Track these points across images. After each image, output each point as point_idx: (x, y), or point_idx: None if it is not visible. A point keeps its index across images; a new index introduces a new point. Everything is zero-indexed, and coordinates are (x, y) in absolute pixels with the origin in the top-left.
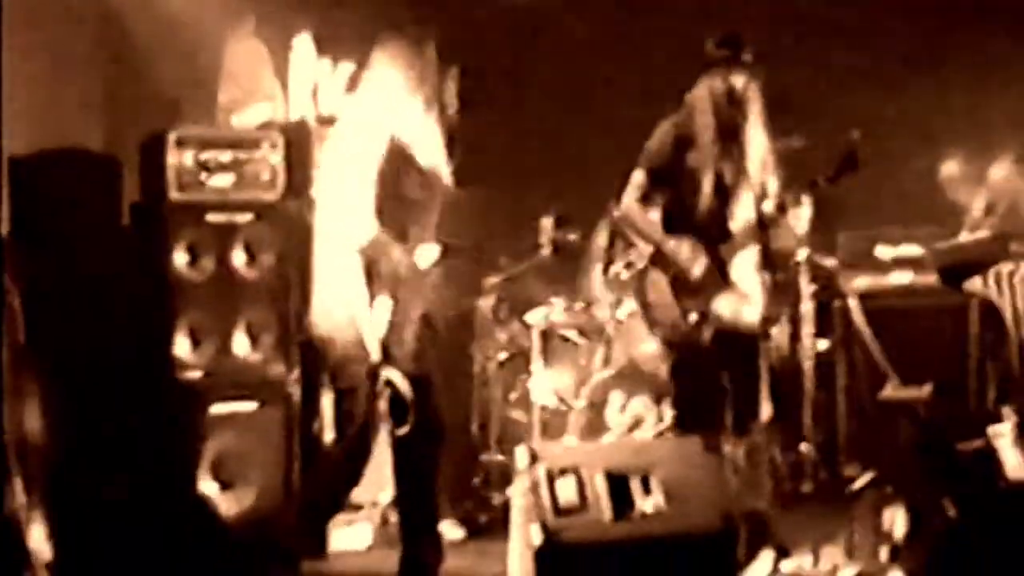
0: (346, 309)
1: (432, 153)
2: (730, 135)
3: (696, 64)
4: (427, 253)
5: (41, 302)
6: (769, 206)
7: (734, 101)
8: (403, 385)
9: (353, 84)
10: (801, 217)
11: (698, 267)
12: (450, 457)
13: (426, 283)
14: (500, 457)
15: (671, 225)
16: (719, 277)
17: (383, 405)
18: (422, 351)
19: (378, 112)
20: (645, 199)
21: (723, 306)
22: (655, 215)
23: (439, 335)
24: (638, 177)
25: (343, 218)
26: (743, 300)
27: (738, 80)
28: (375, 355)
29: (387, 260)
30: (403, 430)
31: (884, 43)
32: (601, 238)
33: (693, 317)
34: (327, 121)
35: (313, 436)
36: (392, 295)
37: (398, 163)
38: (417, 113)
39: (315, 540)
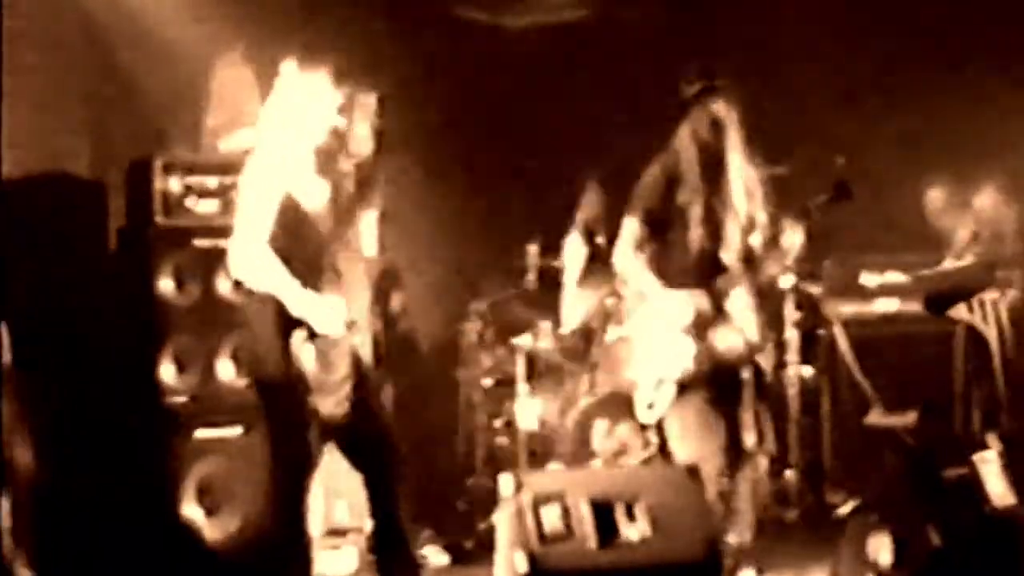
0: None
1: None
2: (715, 167)
3: (675, 93)
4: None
5: (27, 325)
6: (757, 239)
7: (717, 130)
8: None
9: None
10: (793, 244)
11: (687, 317)
12: (435, 483)
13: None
14: (485, 482)
15: (665, 263)
16: (715, 312)
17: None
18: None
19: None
20: (640, 246)
21: (719, 339)
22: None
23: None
24: (632, 225)
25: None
26: (739, 333)
27: (718, 107)
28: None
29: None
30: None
31: (868, 70)
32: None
33: (689, 356)
34: None
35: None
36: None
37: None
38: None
39: (300, 564)
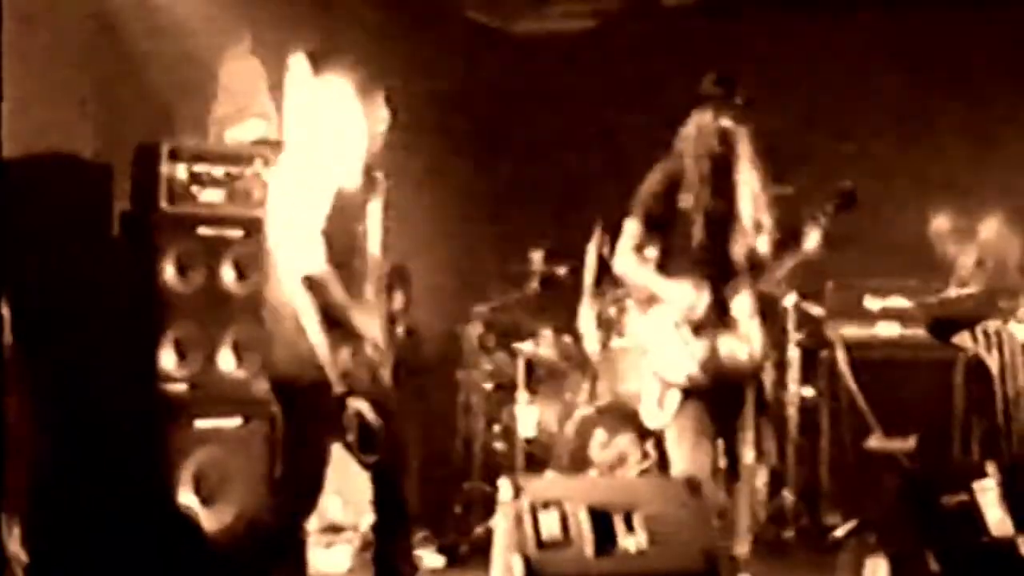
0: (304, 341)
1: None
2: (720, 173)
3: (688, 106)
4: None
5: (28, 307)
6: (764, 243)
7: (724, 141)
8: (371, 415)
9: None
10: (812, 241)
11: (700, 306)
12: (432, 485)
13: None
14: (482, 486)
15: (668, 267)
16: (720, 316)
17: (351, 436)
18: (380, 381)
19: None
20: (640, 247)
21: (723, 345)
22: (652, 253)
23: (423, 358)
24: (632, 226)
25: (290, 244)
26: (741, 340)
27: (728, 121)
28: (338, 386)
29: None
30: (372, 459)
31: (877, 95)
32: (588, 275)
33: (696, 357)
34: None
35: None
36: (346, 325)
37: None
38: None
39: (293, 560)
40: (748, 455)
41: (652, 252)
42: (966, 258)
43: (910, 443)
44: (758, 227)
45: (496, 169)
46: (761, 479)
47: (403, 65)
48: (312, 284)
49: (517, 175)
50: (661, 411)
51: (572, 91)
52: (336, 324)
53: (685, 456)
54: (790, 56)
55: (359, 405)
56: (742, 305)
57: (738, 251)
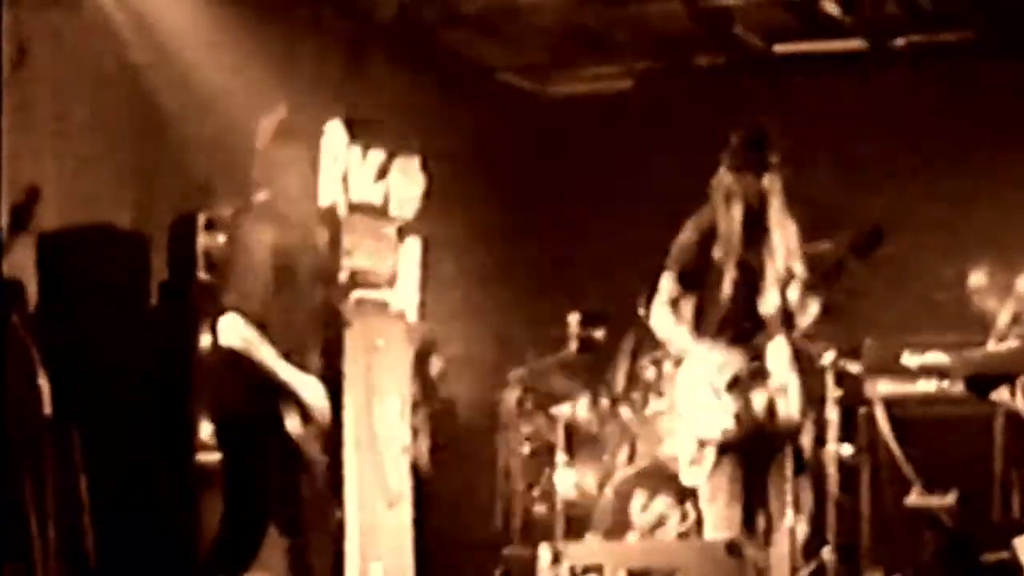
0: None
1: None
2: (754, 224)
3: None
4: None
5: (67, 377)
6: (795, 291)
7: (757, 195)
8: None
9: (383, 172)
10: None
11: (728, 373)
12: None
13: None
14: (522, 551)
15: (702, 320)
16: (755, 370)
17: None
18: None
19: None
20: (675, 302)
21: (757, 401)
22: (687, 309)
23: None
24: (667, 282)
25: None
26: (777, 394)
27: (760, 175)
28: None
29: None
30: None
31: (912, 150)
32: (628, 342)
33: (730, 411)
34: (357, 208)
35: None
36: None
37: None
38: None
39: None
40: (786, 514)
41: (687, 307)
42: (1005, 312)
43: (950, 499)
44: (790, 275)
45: (532, 233)
46: (800, 537)
47: (435, 129)
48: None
49: (553, 238)
50: (697, 469)
51: (607, 152)
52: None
53: (719, 514)
54: (824, 112)
55: None
56: (778, 358)
57: (769, 304)
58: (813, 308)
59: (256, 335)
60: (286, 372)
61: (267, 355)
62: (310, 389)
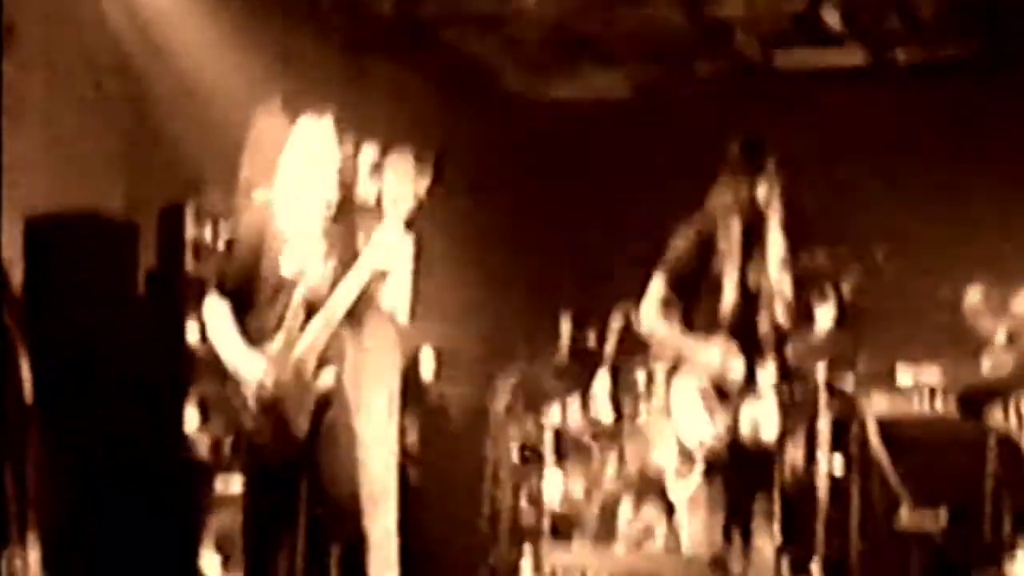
0: None
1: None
2: (752, 238)
3: (714, 173)
4: None
5: (51, 364)
6: (781, 311)
7: (756, 208)
8: None
9: (376, 169)
10: (823, 317)
11: (734, 369)
12: (459, 552)
13: None
14: (508, 555)
15: (691, 331)
16: (746, 385)
17: None
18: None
19: None
20: (665, 307)
21: (744, 416)
22: (674, 315)
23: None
24: (657, 286)
25: None
26: (765, 412)
27: (761, 189)
28: None
29: None
30: None
31: (909, 166)
32: (609, 345)
33: (716, 425)
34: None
35: None
36: None
37: None
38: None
39: None
40: (770, 532)
41: (675, 313)
42: (1000, 332)
43: (940, 519)
44: (779, 294)
45: (527, 236)
46: (785, 557)
47: (435, 131)
48: None
49: (548, 242)
50: (683, 482)
51: (605, 159)
52: None
53: (697, 530)
54: (822, 125)
55: None
56: (764, 376)
57: (765, 320)
58: (824, 322)
59: (224, 310)
60: (229, 349)
61: (218, 329)
62: (248, 364)
